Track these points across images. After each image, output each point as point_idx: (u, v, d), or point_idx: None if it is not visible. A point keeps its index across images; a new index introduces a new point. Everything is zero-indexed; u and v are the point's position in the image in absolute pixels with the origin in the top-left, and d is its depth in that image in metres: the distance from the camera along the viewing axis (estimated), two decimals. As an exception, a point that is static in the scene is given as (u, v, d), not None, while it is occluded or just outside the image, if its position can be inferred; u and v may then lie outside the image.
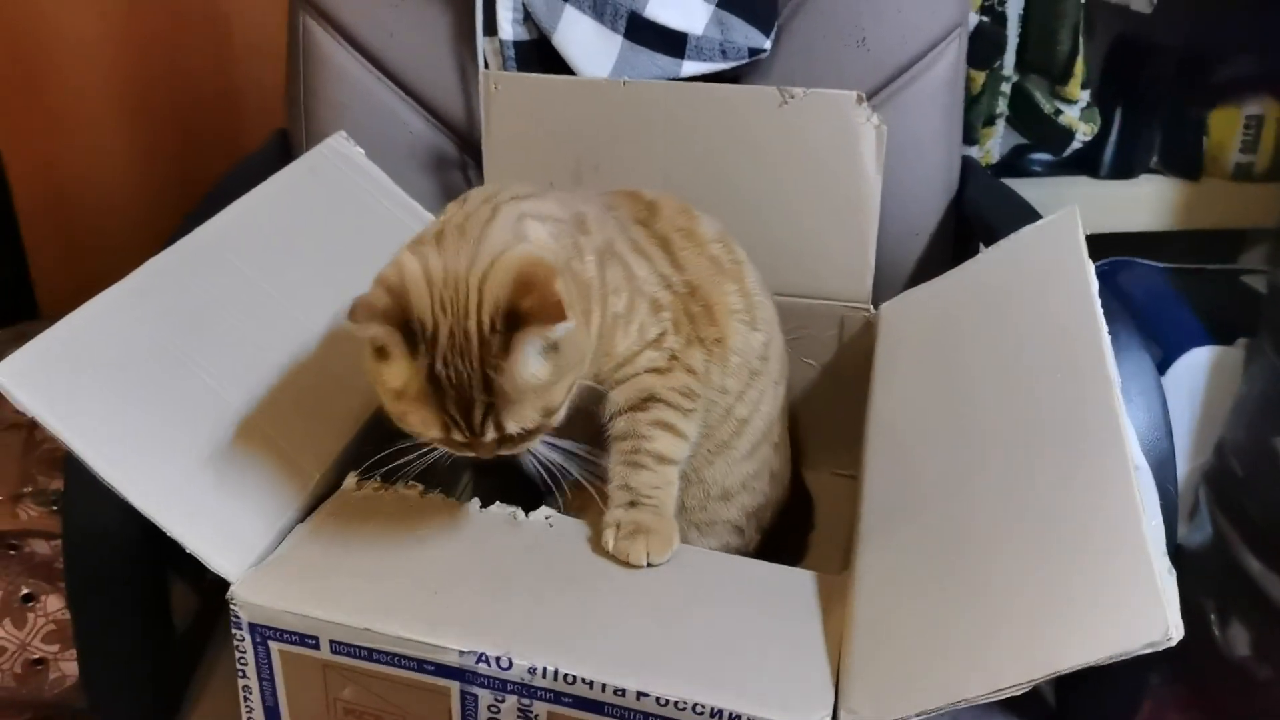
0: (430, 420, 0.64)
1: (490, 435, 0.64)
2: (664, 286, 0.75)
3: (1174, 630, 0.50)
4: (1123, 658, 0.50)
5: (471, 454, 0.66)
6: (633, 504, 0.71)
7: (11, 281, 1.60)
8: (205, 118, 1.54)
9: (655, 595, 0.68)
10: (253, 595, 0.64)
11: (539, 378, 0.63)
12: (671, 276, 0.77)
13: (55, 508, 1.15)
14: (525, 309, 0.61)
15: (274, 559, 0.68)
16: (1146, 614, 0.51)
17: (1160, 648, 0.50)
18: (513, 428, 0.64)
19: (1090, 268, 0.74)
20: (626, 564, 0.69)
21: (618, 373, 0.73)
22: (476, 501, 0.74)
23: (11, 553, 1.13)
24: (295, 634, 0.64)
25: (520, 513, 0.73)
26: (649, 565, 0.69)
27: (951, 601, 0.60)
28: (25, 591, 1.12)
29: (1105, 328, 0.68)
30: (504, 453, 0.66)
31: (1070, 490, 0.60)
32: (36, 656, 1.14)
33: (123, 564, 0.73)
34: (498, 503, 0.74)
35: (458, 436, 0.64)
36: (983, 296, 0.85)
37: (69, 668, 1.14)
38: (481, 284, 0.62)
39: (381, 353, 0.64)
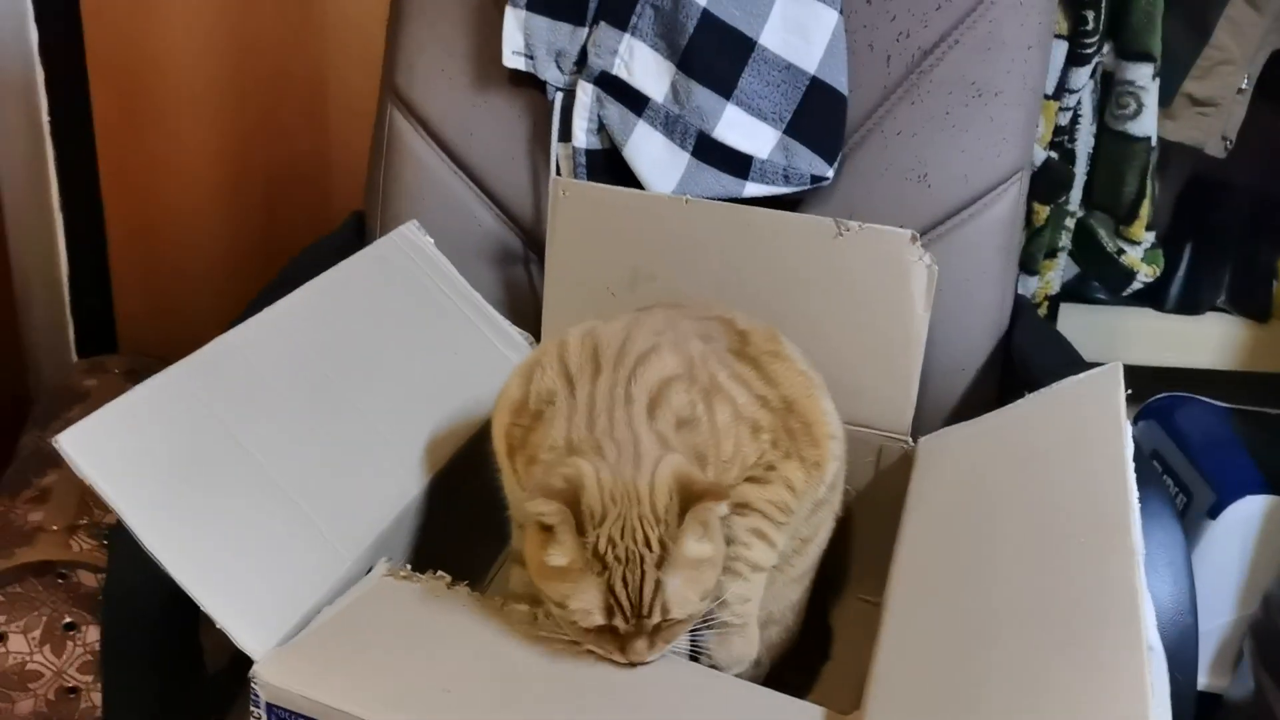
0: (595, 601, 0.67)
1: (656, 617, 0.67)
2: (761, 406, 0.78)
3: (1171, 829, 0.50)
4: None
5: (619, 654, 0.68)
6: (724, 625, 0.74)
7: (95, 313, 1.67)
8: (294, 177, 1.61)
9: (662, 713, 0.69)
10: (273, 676, 0.66)
11: (703, 554, 0.69)
12: (768, 394, 0.79)
13: (105, 542, 1.19)
14: (697, 491, 0.67)
15: (298, 641, 0.70)
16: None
17: (1156, 845, 0.50)
18: (677, 611, 0.68)
19: (1128, 429, 0.74)
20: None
21: None
22: (498, 598, 0.76)
23: (60, 581, 1.16)
24: (308, 718, 0.66)
25: (542, 614, 0.75)
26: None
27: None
28: (67, 620, 1.15)
29: (1135, 496, 0.68)
30: (653, 654, 0.69)
31: (1080, 668, 0.60)
32: (71, 685, 1.17)
33: (157, 614, 0.77)
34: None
35: (620, 623, 0.67)
36: (1018, 445, 0.85)
37: (100, 699, 1.17)
38: (651, 489, 0.68)
39: (548, 532, 0.68)
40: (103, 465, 0.67)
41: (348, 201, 1.21)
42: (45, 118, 1.54)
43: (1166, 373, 1.53)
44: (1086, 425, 0.78)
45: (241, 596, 0.69)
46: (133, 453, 0.69)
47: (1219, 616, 1.38)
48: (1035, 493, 0.77)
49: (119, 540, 0.76)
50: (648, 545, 0.67)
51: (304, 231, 1.18)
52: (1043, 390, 0.86)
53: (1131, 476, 0.70)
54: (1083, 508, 0.71)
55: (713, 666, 0.75)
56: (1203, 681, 1.37)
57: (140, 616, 0.79)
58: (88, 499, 1.24)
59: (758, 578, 0.76)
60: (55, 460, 1.28)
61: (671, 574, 0.67)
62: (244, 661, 0.68)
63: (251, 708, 0.67)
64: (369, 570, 0.78)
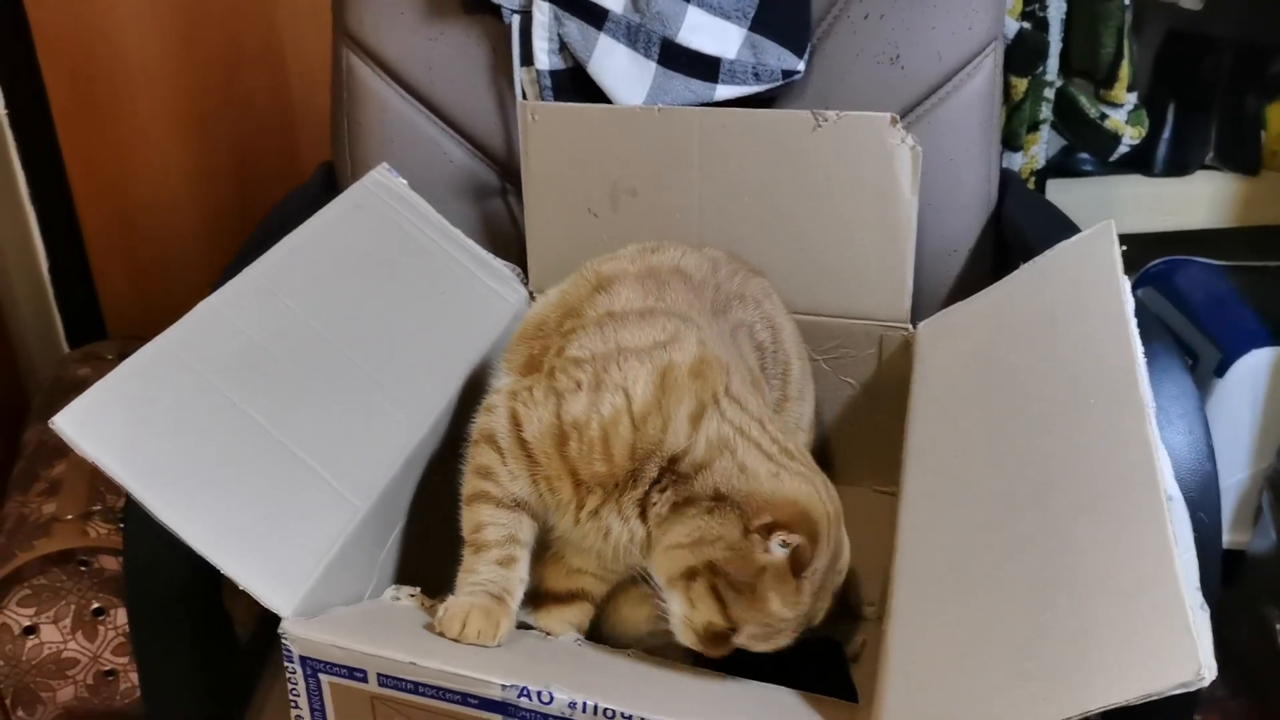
0: None
1: None
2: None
3: (1206, 671, 0.49)
4: (1153, 698, 0.50)
5: None
6: None
7: (81, 303, 1.66)
8: (262, 141, 1.59)
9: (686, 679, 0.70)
10: (303, 630, 0.66)
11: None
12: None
13: (122, 525, 1.19)
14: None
15: (323, 616, 0.70)
16: (1178, 653, 0.50)
17: (1192, 688, 0.49)
18: None
19: (1125, 285, 0.73)
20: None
21: None
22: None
23: (82, 569, 1.17)
24: (344, 667, 0.66)
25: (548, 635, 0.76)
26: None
27: (982, 643, 0.60)
28: (96, 606, 1.16)
29: (1140, 349, 0.67)
30: None
31: (1101, 525, 0.60)
32: (108, 668, 1.18)
33: (180, 587, 0.77)
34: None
35: None
36: (1018, 317, 0.84)
37: (138, 678, 1.18)
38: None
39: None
40: (104, 442, 0.66)
41: (317, 157, 1.19)
42: (2, 111, 1.51)
43: (1161, 237, 1.52)
44: (1084, 287, 0.78)
45: (260, 556, 0.69)
46: (132, 426, 0.68)
47: (1235, 473, 1.38)
48: (1040, 361, 0.77)
49: (133, 517, 0.75)
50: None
51: (277, 192, 1.16)
52: (1036, 259, 0.85)
53: (1134, 331, 0.69)
54: (1089, 369, 0.71)
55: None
56: (1224, 539, 1.38)
57: (163, 591, 0.78)
58: (98, 485, 1.24)
59: None
60: (61, 451, 1.29)
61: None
62: (271, 627, 0.67)
63: (285, 663, 0.67)
64: (385, 517, 0.78)
